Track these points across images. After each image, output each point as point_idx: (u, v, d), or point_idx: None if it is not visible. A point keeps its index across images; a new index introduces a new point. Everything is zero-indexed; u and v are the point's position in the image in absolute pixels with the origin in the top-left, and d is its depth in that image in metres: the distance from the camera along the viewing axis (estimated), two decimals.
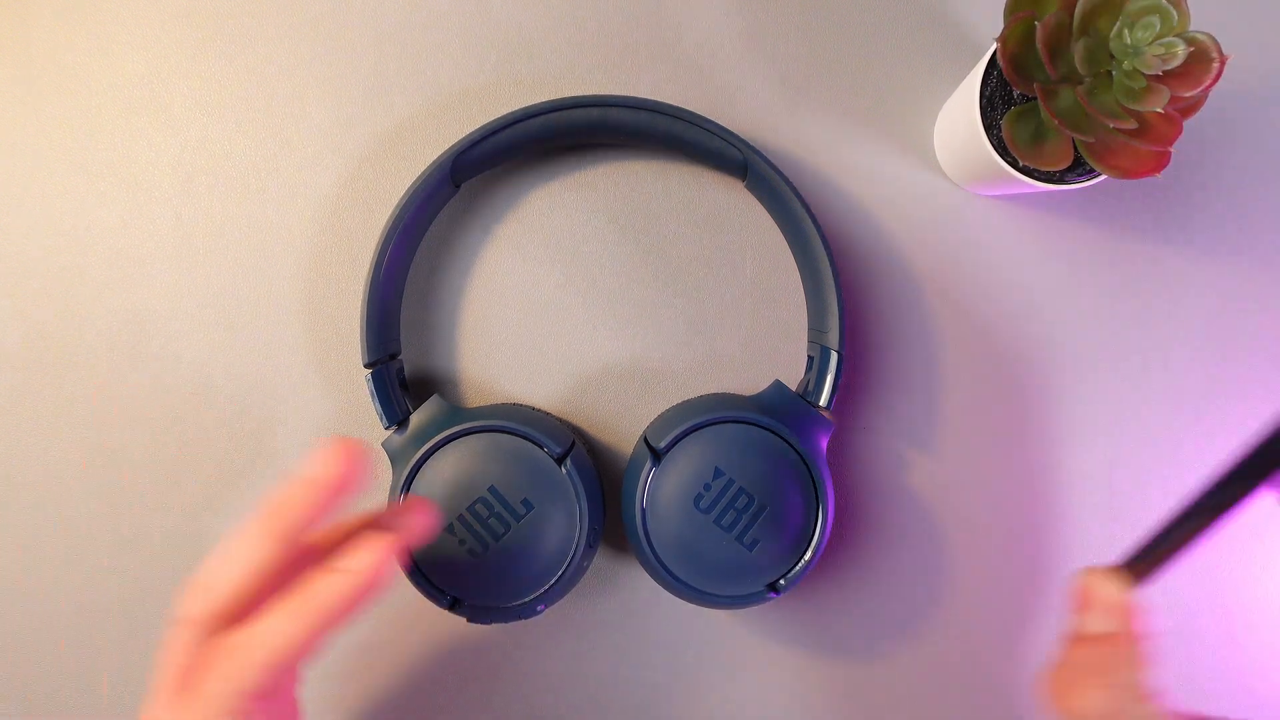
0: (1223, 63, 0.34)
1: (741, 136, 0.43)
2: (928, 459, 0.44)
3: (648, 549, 0.39)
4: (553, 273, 0.44)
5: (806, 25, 0.45)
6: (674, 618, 0.44)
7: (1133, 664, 0.30)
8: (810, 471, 0.39)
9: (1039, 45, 0.35)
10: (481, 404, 0.43)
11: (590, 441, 0.44)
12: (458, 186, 0.42)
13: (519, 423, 0.39)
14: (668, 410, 0.42)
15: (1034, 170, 0.39)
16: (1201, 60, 0.34)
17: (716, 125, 0.42)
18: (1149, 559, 0.31)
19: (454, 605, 0.39)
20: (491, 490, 0.38)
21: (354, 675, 0.44)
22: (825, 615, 0.44)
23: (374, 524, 0.34)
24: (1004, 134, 0.37)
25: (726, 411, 0.39)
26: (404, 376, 0.42)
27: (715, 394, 0.43)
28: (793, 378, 0.44)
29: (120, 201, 0.44)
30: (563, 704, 0.44)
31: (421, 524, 0.34)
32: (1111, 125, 0.35)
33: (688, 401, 0.42)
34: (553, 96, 0.42)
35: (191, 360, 0.44)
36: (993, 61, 0.39)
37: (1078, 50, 0.35)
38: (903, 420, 0.44)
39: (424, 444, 0.38)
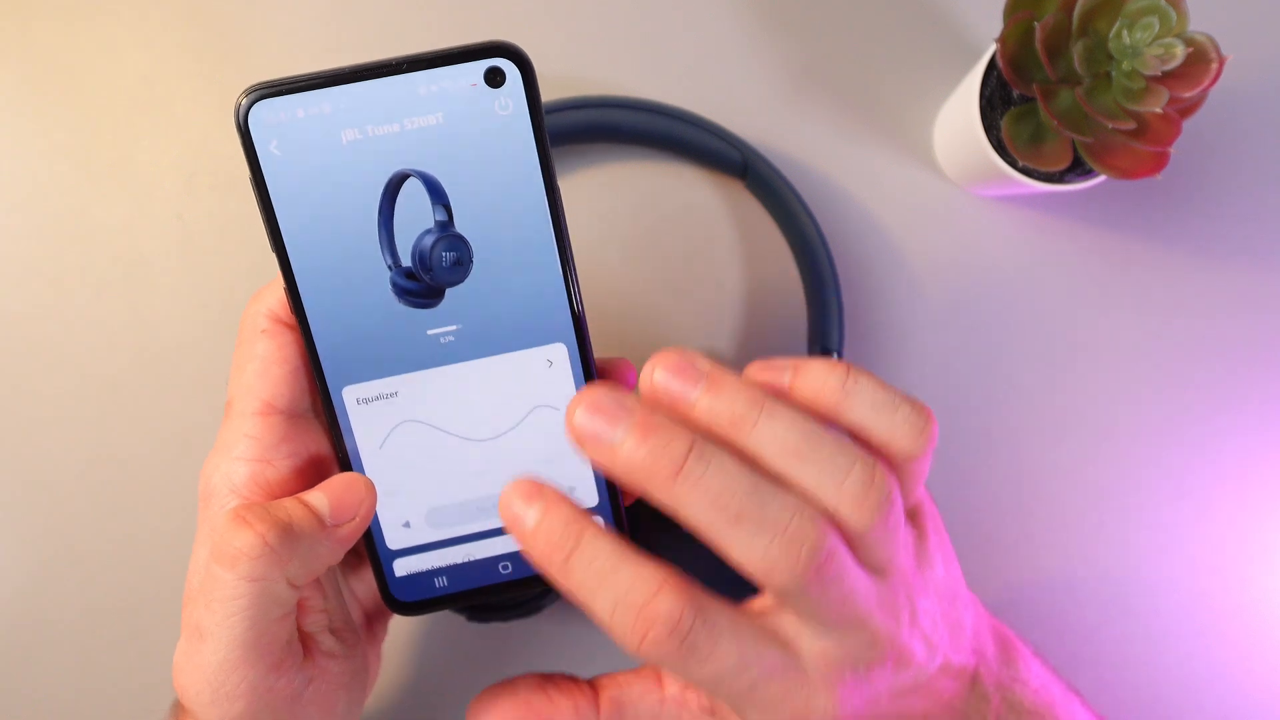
0: (1221, 63, 0.34)
1: (741, 137, 0.43)
2: None
3: (645, 548, 0.39)
4: None
5: (806, 25, 0.45)
6: None
7: None
8: None
9: (1038, 46, 0.35)
10: None
11: None
12: None
13: None
14: None
15: (1033, 171, 0.39)
16: (1200, 61, 0.35)
17: (716, 125, 0.42)
18: None
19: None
20: None
21: None
22: None
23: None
24: (1003, 134, 0.37)
25: None
26: None
27: None
28: None
29: (122, 202, 0.44)
30: None
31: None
32: (1110, 126, 0.35)
33: None
34: (552, 98, 0.42)
35: (192, 361, 0.44)
36: (992, 62, 0.39)
37: (1077, 51, 0.35)
38: None
39: None
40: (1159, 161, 0.36)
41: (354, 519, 0.28)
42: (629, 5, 0.45)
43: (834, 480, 0.25)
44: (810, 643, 0.26)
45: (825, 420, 0.27)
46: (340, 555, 0.29)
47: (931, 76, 0.44)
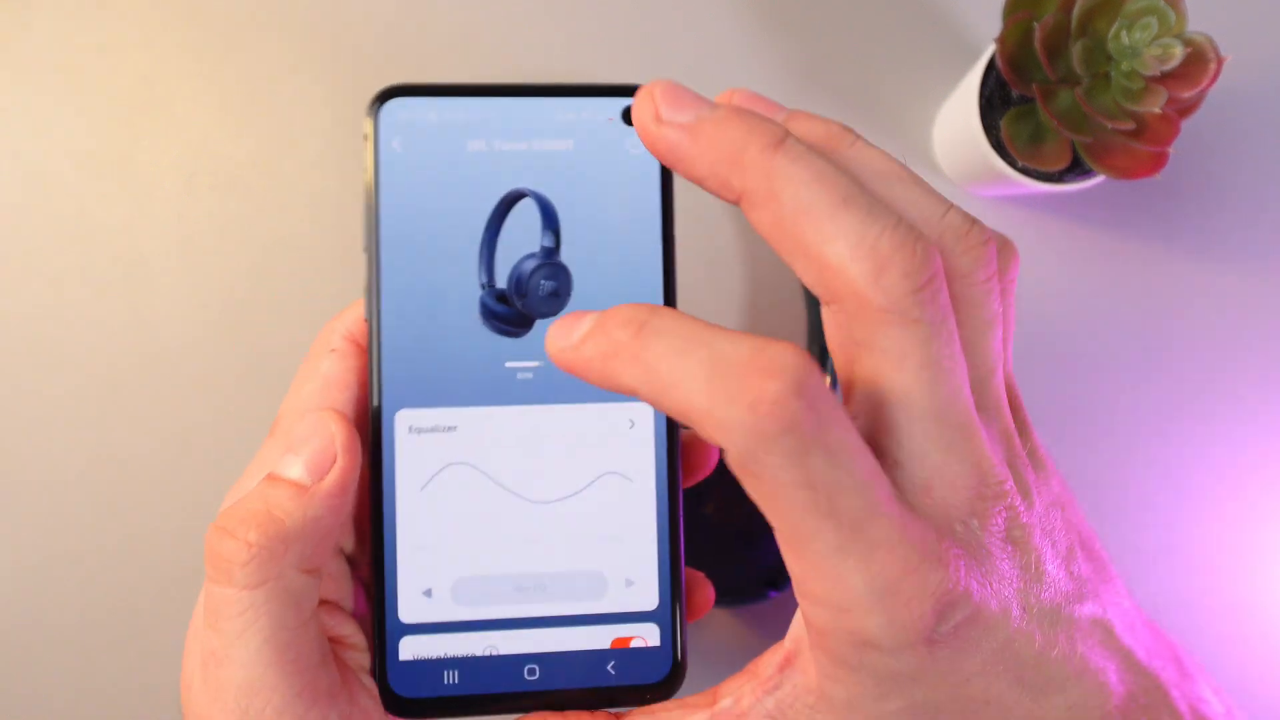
0: (1220, 64, 0.34)
1: None
2: None
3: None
4: None
5: (806, 25, 0.45)
6: None
7: None
8: None
9: (1037, 46, 0.35)
10: None
11: None
12: None
13: None
14: None
15: (1032, 171, 0.39)
16: (1199, 61, 0.35)
17: None
18: None
19: None
20: None
21: None
22: None
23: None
24: (1003, 135, 0.37)
25: None
26: None
27: None
28: None
29: (122, 202, 0.44)
30: None
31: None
32: (1110, 126, 0.35)
33: None
34: None
35: (192, 361, 0.44)
36: (992, 62, 0.39)
37: (1076, 51, 0.35)
38: None
39: None
40: (1158, 161, 0.36)
41: (333, 460, 0.25)
42: (629, 5, 0.45)
43: (937, 209, 0.22)
44: (915, 463, 0.20)
45: None
46: (341, 510, 0.25)
47: (931, 76, 0.44)
